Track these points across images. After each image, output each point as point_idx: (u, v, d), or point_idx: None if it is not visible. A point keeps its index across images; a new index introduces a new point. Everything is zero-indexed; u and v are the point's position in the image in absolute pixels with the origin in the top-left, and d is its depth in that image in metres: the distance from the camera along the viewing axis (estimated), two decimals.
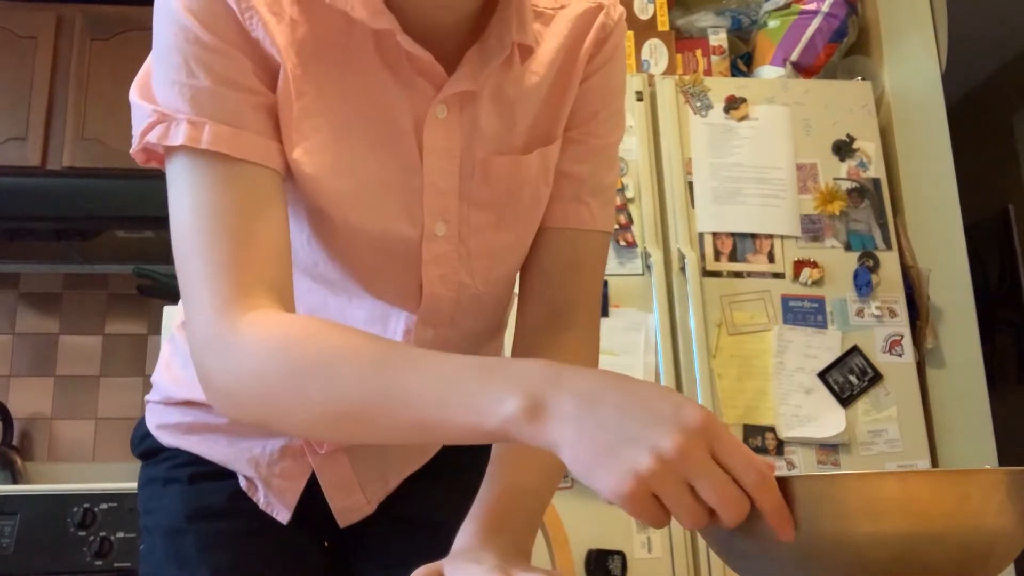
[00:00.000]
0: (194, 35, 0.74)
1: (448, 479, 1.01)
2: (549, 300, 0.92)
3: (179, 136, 0.74)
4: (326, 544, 1.02)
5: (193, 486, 0.97)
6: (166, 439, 0.99)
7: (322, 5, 0.77)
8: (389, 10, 0.78)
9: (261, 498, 0.96)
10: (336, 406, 0.68)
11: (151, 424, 1.01)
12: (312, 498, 0.96)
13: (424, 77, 0.81)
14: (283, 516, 0.96)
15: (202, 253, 0.73)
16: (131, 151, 0.78)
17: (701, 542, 2.12)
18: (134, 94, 0.79)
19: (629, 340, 2.19)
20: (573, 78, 0.90)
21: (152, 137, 0.75)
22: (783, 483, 0.57)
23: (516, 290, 0.99)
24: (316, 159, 0.80)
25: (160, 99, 0.76)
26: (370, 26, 0.78)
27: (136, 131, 0.77)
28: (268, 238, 0.75)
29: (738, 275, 2.31)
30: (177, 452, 0.98)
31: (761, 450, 2.19)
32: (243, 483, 0.96)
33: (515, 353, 0.91)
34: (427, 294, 0.87)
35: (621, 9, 0.94)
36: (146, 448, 1.02)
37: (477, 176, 0.85)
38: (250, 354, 0.71)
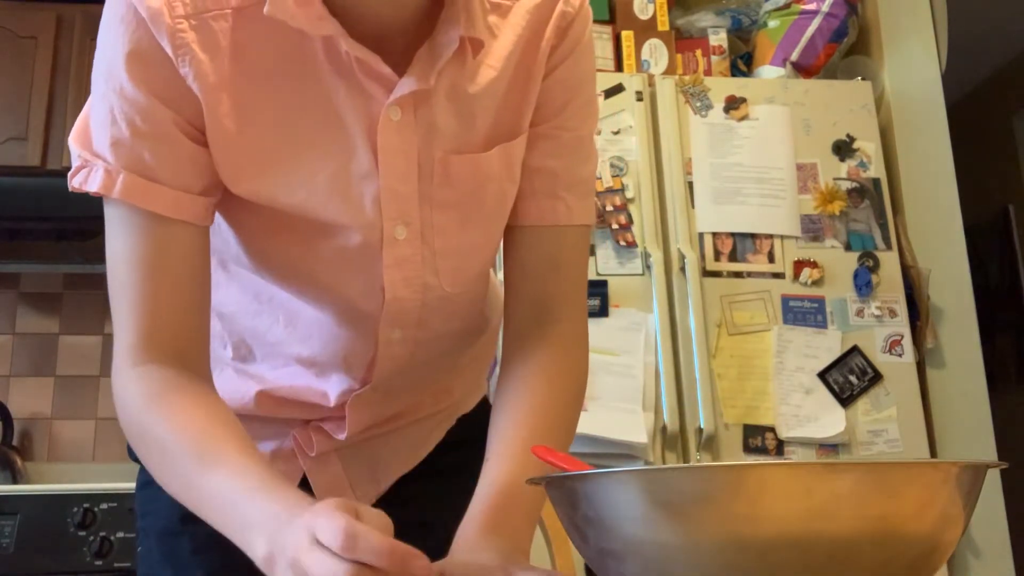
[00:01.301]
0: (120, 86, 0.77)
1: (440, 480, 1.01)
2: (533, 297, 0.91)
3: (95, 183, 0.78)
4: None
5: None
6: None
7: (266, 22, 0.76)
8: (334, 15, 0.77)
9: None
10: (168, 486, 0.79)
11: None
12: None
13: (374, 80, 0.79)
14: None
15: (117, 298, 0.80)
16: (69, 188, 0.82)
17: None
18: (70, 139, 0.83)
19: (629, 340, 2.19)
20: (535, 71, 0.88)
21: (75, 182, 0.80)
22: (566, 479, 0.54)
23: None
24: (270, 181, 0.81)
25: (94, 138, 0.79)
26: (312, 34, 0.77)
27: (70, 172, 0.81)
28: (177, 294, 0.80)
29: (738, 275, 2.31)
30: None
31: (761, 450, 2.19)
32: None
33: (505, 350, 0.91)
34: (390, 297, 0.86)
35: None
36: None
37: (437, 177, 0.84)
38: (122, 406, 0.79)
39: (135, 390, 0.78)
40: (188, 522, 0.95)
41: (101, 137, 0.78)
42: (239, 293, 0.93)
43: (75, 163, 0.80)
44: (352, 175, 0.82)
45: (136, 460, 1.03)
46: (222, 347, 0.96)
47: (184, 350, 0.80)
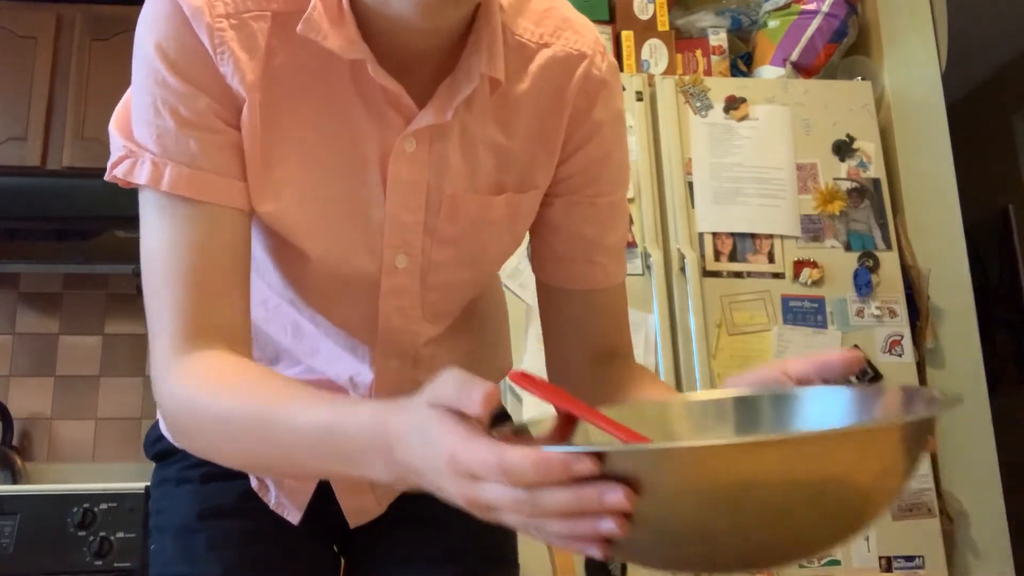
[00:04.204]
0: (162, 77, 0.77)
1: None
2: (584, 345, 0.93)
3: (143, 175, 0.77)
4: (335, 548, 1.03)
5: (205, 486, 0.97)
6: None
7: (300, 34, 0.77)
8: (367, 40, 0.77)
9: (272, 498, 0.96)
10: (238, 459, 0.77)
11: (164, 427, 1.02)
12: (323, 499, 0.96)
13: (394, 109, 0.80)
14: (294, 517, 0.96)
15: (160, 290, 0.77)
16: (105, 177, 0.81)
17: None
18: (111, 124, 0.81)
19: None
20: (552, 128, 0.87)
21: (119, 172, 0.78)
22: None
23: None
24: (281, 191, 0.81)
25: (135, 132, 0.79)
26: (342, 56, 0.77)
27: (109, 161, 0.80)
28: (223, 280, 0.77)
29: (738, 275, 2.31)
30: (189, 453, 0.99)
31: None
32: (254, 483, 0.97)
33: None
34: (383, 325, 0.87)
35: (610, 61, 0.91)
36: (159, 450, 1.03)
37: (444, 212, 0.84)
38: (172, 398, 0.76)
39: (184, 376, 0.75)
40: (206, 518, 0.96)
41: (146, 130, 0.78)
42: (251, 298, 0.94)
43: (116, 152, 0.79)
44: (361, 199, 0.82)
45: (154, 457, 1.04)
46: None
47: (232, 339, 0.78)
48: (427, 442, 0.55)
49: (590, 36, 0.89)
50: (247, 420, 0.71)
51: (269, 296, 0.92)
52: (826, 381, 0.66)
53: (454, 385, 0.55)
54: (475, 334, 0.98)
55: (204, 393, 0.73)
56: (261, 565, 0.95)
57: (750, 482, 0.47)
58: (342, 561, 1.05)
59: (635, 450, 0.48)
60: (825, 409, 0.64)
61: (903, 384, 0.55)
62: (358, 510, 0.98)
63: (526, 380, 0.64)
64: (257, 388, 0.72)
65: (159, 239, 0.78)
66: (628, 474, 0.48)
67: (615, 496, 0.47)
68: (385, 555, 1.00)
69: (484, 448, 0.51)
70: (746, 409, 0.69)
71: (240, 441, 0.72)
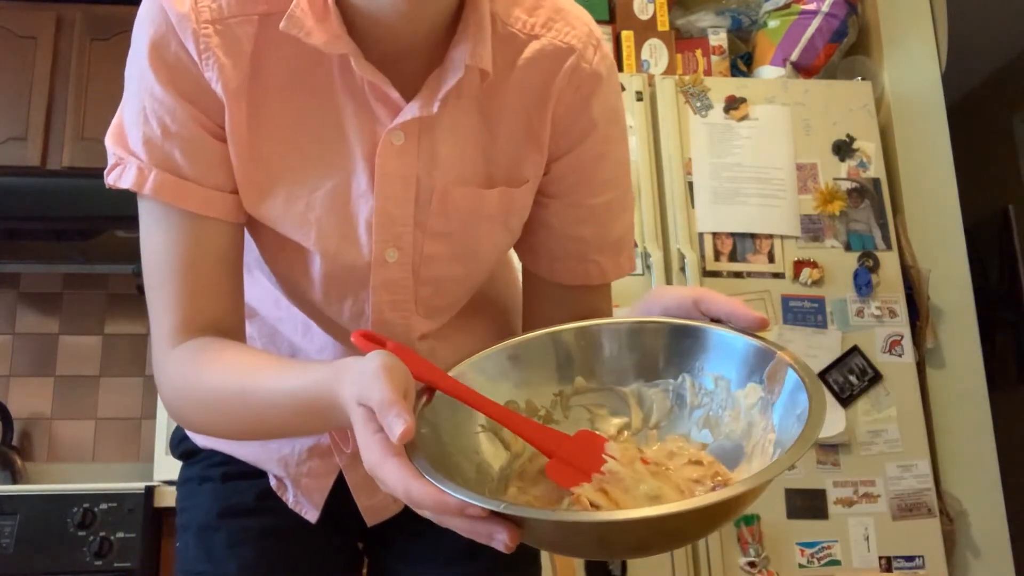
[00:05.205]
0: (150, 86, 0.78)
1: None
2: None
3: (127, 180, 0.79)
4: (360, 545, 1.04)
5: (225, 484, 0.98)
6: (201, 440, 1.01)
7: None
8: (353, 33, 0.77)
9: (290, 497, 0.97)
10: (227, 430, 0.83)
11: None
12: (341, 498, 0.97)
13: (381, 103, 0.80)
14: (311, 515, 0.97)
15: (155, 289, 0.81)
16: (106, 186, 0.83)
17: (701, 542, 2.12)
18: (107, 139, 0.83)
19: None
20: (540, 126, 0.86)
21: (110, 179, 0.81)
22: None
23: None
24: (272, 187, 0.81)
25: (128, 134, 0.81)
26: (327, 52, 0.77)
27: (106, 170, 0.83)
28: (211, 282, 0.81)
29: (738, 275, 2.31)
30: (212, 452, 1.00)
31: None
32: (273, 482, 0.97)
33: None
34: (375, 319, 0.86)
35: (604, 54, 0.87)
36: (184, 449, 1.04)
37: (435, 205, 0.83)
38: (166, 386, 0.81)
39: (177, 363, 0.79)
40: (225, 516, 0.97)
41: (134, 135, 0.80)
42: (262, 297, 0.95)
43: (110, 161, 0.82)
44: (352, 193, 0.82)
45: (180, 457, 1.05)
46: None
47: (223, 330, 0.81)
48: (354, 436, 0.64)
49: (582, 29, 0.86)
50: (227, 393, 0.76)
51: (280, 296, 0.93)
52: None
53: (378, 399, 0.61)
54: (483, 329, 0.97)
55: (191, 373, 0.78)
56: (279, 563, 0.96)
57: (614, 537, 0.58)
58: (366, 559, 1.05)
59: (517, 514, 0.57)
60: (722, 356, 0.72)
61: (791, 361, 0.63)
62: (375, 508, 0.98)
63: (366, 343, 0.71)
64: (234, 363, 0.77)
65: (152, 242, 0.81)
66: (513, 518, 0.57)
67: (501, 536, 0.57)
68: (405, 552, 1.01)
69: (394, 474, 0.60)
70: (652, 340, 0.75)
71: (223, 413, 0.78)
